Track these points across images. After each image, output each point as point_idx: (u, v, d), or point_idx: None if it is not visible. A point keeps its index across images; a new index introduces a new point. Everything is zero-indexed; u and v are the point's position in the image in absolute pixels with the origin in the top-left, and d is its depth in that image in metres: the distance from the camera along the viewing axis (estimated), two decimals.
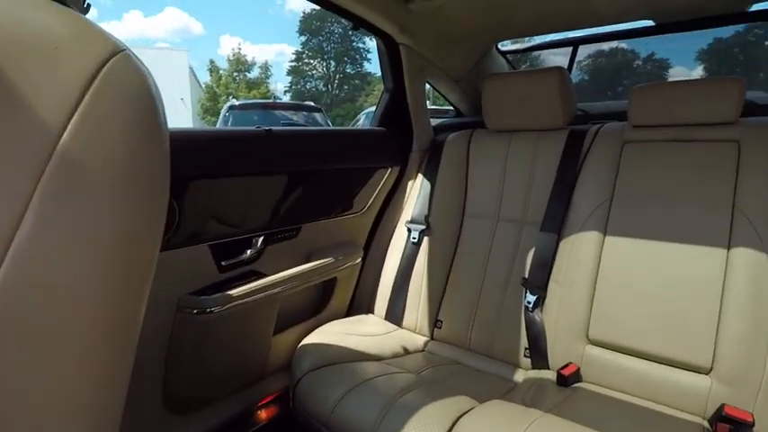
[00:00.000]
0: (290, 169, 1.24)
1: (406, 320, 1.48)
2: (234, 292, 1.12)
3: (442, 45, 1.61)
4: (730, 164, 1.10)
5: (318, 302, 1.50)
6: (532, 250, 1.31)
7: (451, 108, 1.99)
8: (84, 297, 0.33)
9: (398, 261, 1.53)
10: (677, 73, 17.06)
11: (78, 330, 0.32)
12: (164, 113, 0.40)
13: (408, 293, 1.49)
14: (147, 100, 0.37)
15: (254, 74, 27.98)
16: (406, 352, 1.36)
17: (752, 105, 1.23)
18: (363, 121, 6.48)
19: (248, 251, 1.23)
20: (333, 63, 31.50)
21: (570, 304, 1.20)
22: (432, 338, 1.45)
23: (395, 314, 1.50)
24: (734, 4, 1.34)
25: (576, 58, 1.78)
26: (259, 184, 1.18)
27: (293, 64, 32.00)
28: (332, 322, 1.41)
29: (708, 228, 1.08)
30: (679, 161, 1.16)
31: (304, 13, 30.89)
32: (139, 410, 1.06)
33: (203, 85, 27.49)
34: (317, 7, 1.30)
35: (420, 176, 1.59)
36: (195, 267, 1.11)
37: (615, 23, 1.52)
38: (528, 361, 1.26)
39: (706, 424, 0.98)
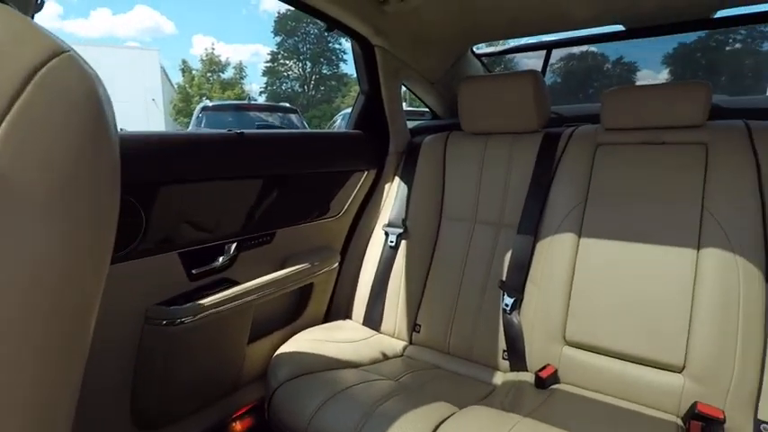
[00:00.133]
0: (263, 173, 1.21)
1: (385, 325, 1.47)
2: (205, 301, 1.08)
3: (418, 47, 1.60)
4: (699, 166, 1.12)
5: (294, 309, 1.47)
6: (509, 253, 1.32)
7: (428, 110, 1.99)
8: (17, 315, 0.30)
9: (376, 265, 1.51)
10: (645, 76, 17.68)
11: (7, 356, 0.29)
12: (112, 118, 0.37)
13: (386, 298, 1.47)
14: (91, 104, 0.34)
15: (229, 74, 27.58)
16: (385, 357, 1.34)
17: (718, 109, 1.26)
18: (340, 122, 6.45)
19: (220, 258, 1.19)
20: (309, 64, 31.30)
21: (547, 306, 1.21)
22: (410, 343, 1.44)
23: (373, 319, 1.49)
24: (699, 12, 1.38)
25: (549, 62, 1.81)
26: (231, 189, 1.15)
27: (268, 64, 31.66)
28: (309, 329, 1.38)
29: (679, 229, 1.10)
30: (650, 163, 1.18)
31: (279, 13, 30.57)
32: (105, 428, 1.01)
33: (176, 86, 26.90)
34: (293, 8, 1.28)
35: (397, 179, 1.58)
36: (164, 276, 1.06)
37: (587, 28, 1.54)
38: (506, 363, 1.26)
39: (680, 422, 1.00)
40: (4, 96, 0.29)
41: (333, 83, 31.38)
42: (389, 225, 1.52)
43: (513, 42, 1.93)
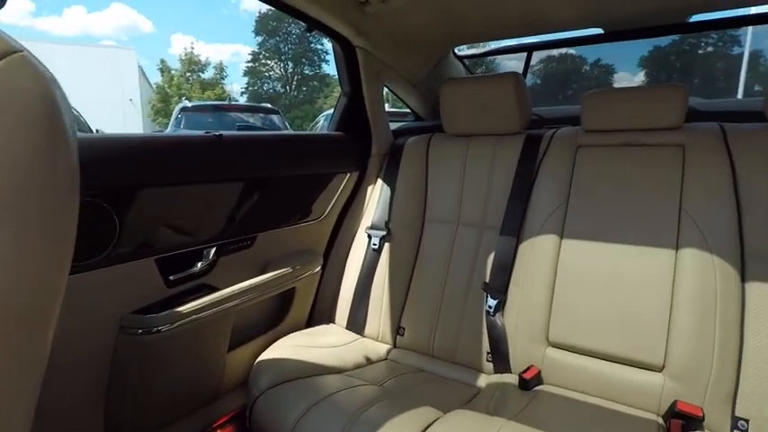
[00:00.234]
0: (242, 176, 1.18)
1: (368, 329, 1.45)
2: (183, 308, 1.05)
3: (400, 49, 1.59)
4: (676, 168, 1.14)
5: (276, 314, 1.44)
6: (492, 254, 1.32)
7: (410, 111, 1.99)
8: None
9: (359, 268, 1.50)
10: (621, 77, 18.12)
11: None
12: (70, 120, 0.35)
13: (370, 301, 1.46)
14: (46, 105, 0.33)
15: (209, 74, 27.14)
16: (369, 362, 1.33)
17: (694, 111, 1.29)
18: (323, 123, 6.42)
19: (199, 264, 1.16)
20: (291, 64, 31.06)
21: (530, 307, 1.21)
22: (394, 346, 1.43)
23: (356, 323, 1.47)
24: (675, 16, 1.40)
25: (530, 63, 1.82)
26: (210, 193, 1.12)
27: (250, 65, 31.29)
28: (291, 335, 1.36)
29: (658, 230, 1.11)
30: (630, 165, 1.20)
31: (260, 12, 30.21)
32: None
33: (154, 86, 26.38)
34: (273, 8, 1.25)
35: (380, 181, 1.57)
36: (140, 283, 1.03)
37: (567, 30, 1.56)
38: (490, 365, 1.26)
39: (660, 420, 1.01)
40: None
41: (315, 83, 31.19)
42: (372, 228, 1.51)
43: (494, 44, 1.95)
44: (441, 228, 1.45)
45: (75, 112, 6.85)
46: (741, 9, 1.36)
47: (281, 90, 31.26)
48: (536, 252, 1.23)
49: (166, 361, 1.05)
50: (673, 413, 0.98)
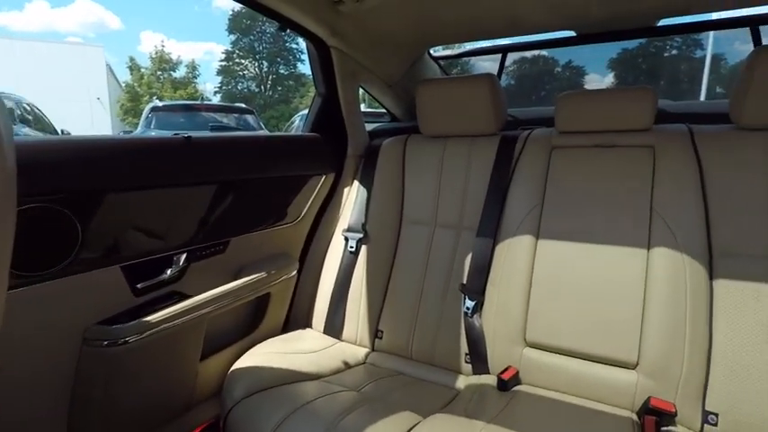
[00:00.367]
0: (213, 179, 1.14)
1: (346, 333, 1.43)
2: (152, 317, 1.01)
3: (375, 49, 1.58)
4: (647, 168, 1.17)
5: (251, 321, 1.40)
6: (470, 255, 1.32)
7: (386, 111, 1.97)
8: None
9: (336, 271, 1.48)
10: (592, 79, 18.60)
11: None
12: (5, 125, 0.32)
13: (347, 304, 1.44)
14: None
15: (181, 73, 26.48)
16: (347, 366, 1.31)
17: (663, 113, 1.32)
18: (299, 122, 6.34)
19: (169, 270, 1.12)
20: (265, 63, 30.61)
21: (507, 308, 1.21)
22: (373, 349, 1.41)
23: (334, 327, 1.45)
24: (644, 20, 1.44)
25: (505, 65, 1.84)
26: (179, 197, 1.08)
27: (223, 63, 30.68)
28: (267, 341, 1.32)
29: (630, 229, 1.13)
30: (602, 166, 1.22)
31: (233, 11, 29.68)
32: None
33: (123, 85, 25.57)
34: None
35: (356, 183, 1.55)
36: (105, 293, 0.98)
37: (541, 33, 1.58)
38: (469, 367, 1.26)
39: (635, 417, 1.03)
40: None
41: (291, 83, 30.84)
42: (349, 230, 1.49)
43: (469, 46, 1.95)
44: (418, 229, 1.44)
45: (39, 112, 6.58)
46: (704, 14, 1.41)
47: (256, 90, 30.77)
48: (512, 253, 1.24)
49: (134, 373, 1.01)
50: (646, 409, 1.00)
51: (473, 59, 2.38)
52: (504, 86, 1.47)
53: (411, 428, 0.93)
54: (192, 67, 26.68)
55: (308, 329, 1.49)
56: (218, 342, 1.26)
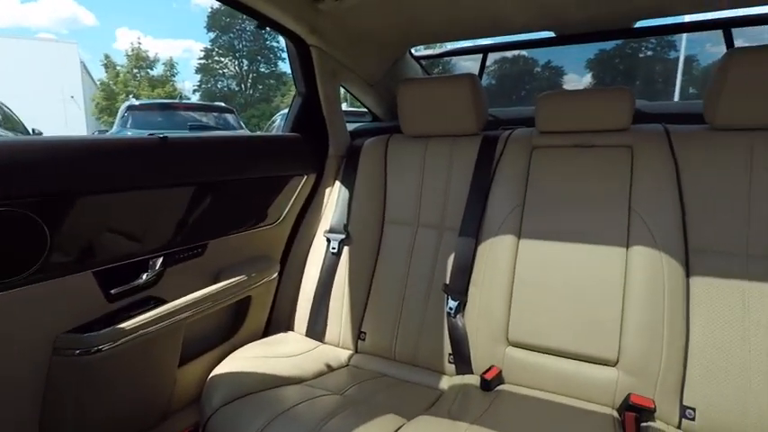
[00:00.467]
0: (190, 180, 1.11)
1: (329, 335, 1.42)
2: (127, 324, 0.97)
3: (355, 48, 1.56)
4: (625, 168, 1.18)
5: (231, 325, 1.37)
6: (452, 256, 1.32)
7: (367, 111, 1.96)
8: None
9: (318, 273, 1.46)
10: (571, 79, 18.91)
11: None
12: None
13: (330, 306, 1.42)
14: None
15: (158, 71, 25.91)
16: (330, 369, 1.29)
17: (640, 113, 1.34)
18: (280, 121, 6.25)
19: (144, 275, 1.09)
20: (246, 62, 30.20)
21: (490, 308, 1.22)
22: (356, 351, 1.40)
23: (316, 329, 1.43)
24: (621, 22, 1.46)
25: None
26: (155, 199, 1.04)
27: (202, 61, 30.16)
28: (247, 345, 1.30)
29: (609, 228, 1.15)
30: (582, 166, 1.23)
31: (212, 8, 29.22)
32: None
33: (98, 83, 24.90)
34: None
35: (338, 183, 1.53)
36: (76, 299, 0.94)
37: (521, 33, 1.59)
38: (452, 367, 1.26)
39: (615, 414, 1.04)
40: None
41: (271, 81, 30.50)
42: (331, 231, 1.47)
43: (450, 45, 1.95)
44: (400, 230, 1.44)
45: (8, 111, 6.34)
46: (679, 17, 1.44)
47: (236, 88, 30.35)
48: (494, 253, 1.24)
49: (108, 382, 0.97)
50: (627, 406, 1.01)
51: (454, 59, 2.39)
52: (485, 86, 1.47)
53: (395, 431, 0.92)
54: (171, 65, 26.15)
55: (289, 332, 1.47)
56: (196, 347, 1.23)
